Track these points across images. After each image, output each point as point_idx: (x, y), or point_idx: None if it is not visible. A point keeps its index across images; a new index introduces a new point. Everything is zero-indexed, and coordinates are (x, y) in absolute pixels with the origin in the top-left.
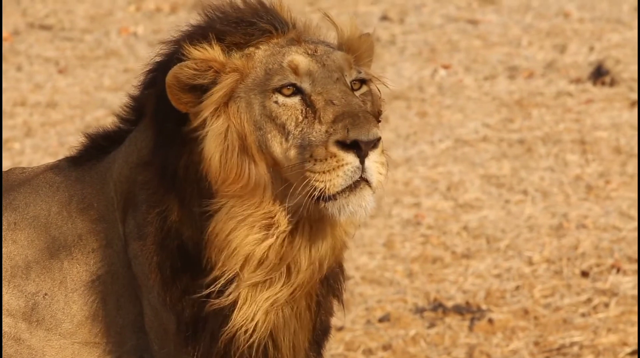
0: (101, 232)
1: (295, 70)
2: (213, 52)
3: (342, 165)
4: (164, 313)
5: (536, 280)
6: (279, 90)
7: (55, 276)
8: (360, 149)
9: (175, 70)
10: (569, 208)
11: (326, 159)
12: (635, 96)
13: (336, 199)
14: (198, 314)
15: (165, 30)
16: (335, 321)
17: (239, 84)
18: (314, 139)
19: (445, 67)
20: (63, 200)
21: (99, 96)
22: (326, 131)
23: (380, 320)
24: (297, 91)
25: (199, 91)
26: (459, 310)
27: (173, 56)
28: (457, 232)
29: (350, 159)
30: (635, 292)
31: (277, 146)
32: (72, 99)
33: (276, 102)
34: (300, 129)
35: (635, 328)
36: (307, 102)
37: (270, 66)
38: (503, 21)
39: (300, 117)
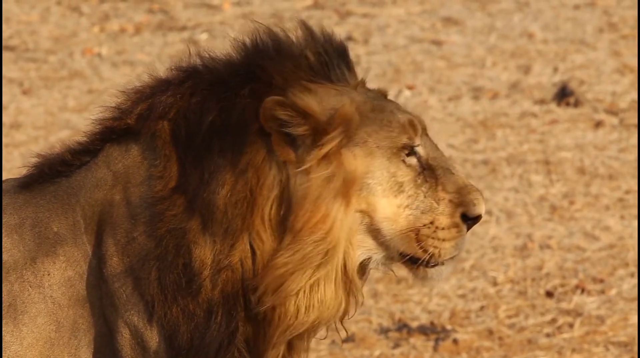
0: (61, 255)
1: (415, 130)
2: (315, 104)
3: (459, 236)
4: (147, 332)
5: (501, 300)
6: (404, 149)
7: (3, 299)
8: (473, 222)
9: (271, 107)
10: (533, 229)
11: (448, 228)
12: (599, 117)
13: (439, 265)
14: (194, 333)
15: (130, 51)
16: None
17: (347, 132)
18: (436, 206)
19: (410, 87)
20: (12, 223)
21: (63, 117)
22: (450, 201)
23: (345, 341)
24: (413, 151)
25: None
26: (423, 330)
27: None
28: None
29: (465, 231)
30: (600, 312)
31: (384, 199)
32: (36, 120)
33: (403, 161)
34: (419, 192)
35: (600, 349)
36: (424, 165)
37: (384, 121)
38: (467, 42)
39: (419, 181)
